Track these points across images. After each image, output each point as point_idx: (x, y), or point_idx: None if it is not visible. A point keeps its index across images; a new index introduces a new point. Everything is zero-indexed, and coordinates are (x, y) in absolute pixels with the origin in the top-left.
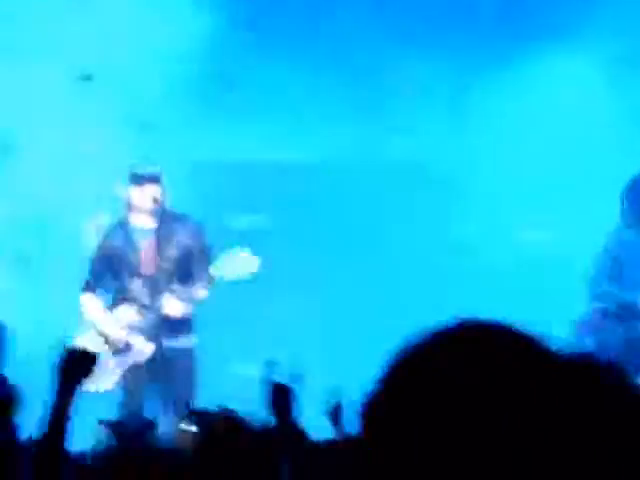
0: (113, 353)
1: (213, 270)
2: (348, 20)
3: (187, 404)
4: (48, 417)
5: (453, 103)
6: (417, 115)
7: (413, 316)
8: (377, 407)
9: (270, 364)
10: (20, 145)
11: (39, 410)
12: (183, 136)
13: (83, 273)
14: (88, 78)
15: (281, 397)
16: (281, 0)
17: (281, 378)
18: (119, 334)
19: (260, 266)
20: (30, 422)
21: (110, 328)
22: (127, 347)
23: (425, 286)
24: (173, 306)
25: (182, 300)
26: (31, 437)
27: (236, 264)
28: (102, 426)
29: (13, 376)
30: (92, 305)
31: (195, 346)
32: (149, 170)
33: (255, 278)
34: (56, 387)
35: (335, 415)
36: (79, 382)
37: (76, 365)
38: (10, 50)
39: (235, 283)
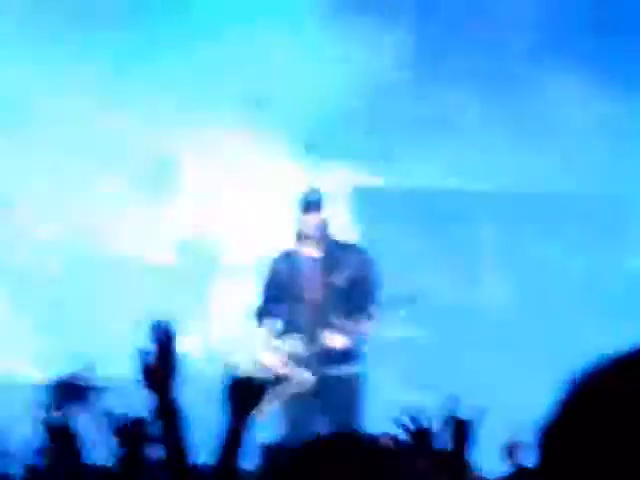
0: (274, 383)
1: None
2: None
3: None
4: (221, 445)
5: None
6: None
7: (589, 346)
8: (556, 435)
9: (452, 398)
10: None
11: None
12: (348, 162)
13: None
14: (260, 104)
15: (461, 432)
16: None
17: (462, 412)
18: (281, 363)
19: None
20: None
21: (273, 357)
22: (288, 377)
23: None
24: (335, 340)
25: (345, 334)
26: (204, 464)
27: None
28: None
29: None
30: (257, 333)
31: (358, 374)
32: (316, 197)
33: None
34: (227, 416)
35: (511, 450)
36: (250, 411)
37: (246, 394)
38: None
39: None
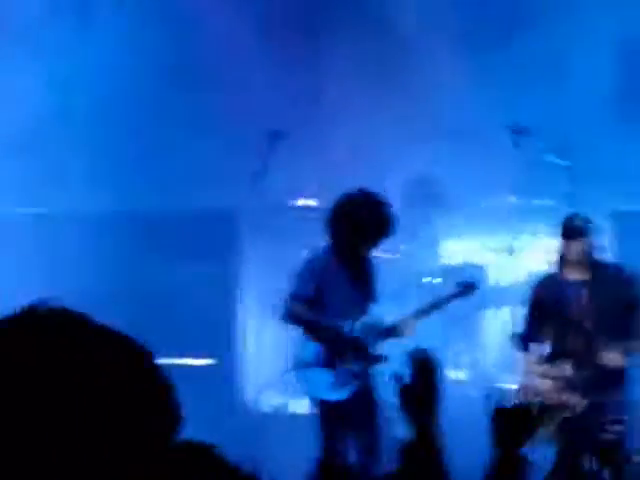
0: (545, 409)
1: None
2: None
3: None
4: (491, 476)
5: None
6: None
7: None
8: None
9: None
10: None
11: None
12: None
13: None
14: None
15: None
16: None
17: None
18: (552, 389)
19: None
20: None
21: (543, 383)
22: (561, 403)
23: None
24: (606, 363)
25: (615, 358)
26: None
27: None
28: None
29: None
30: (525, 359)
31: (630, 400)
32: (580, 223)
33: None
34: (495, 446)
35: None
36: (519, 441)
37: (514, 423)
38: None
39: None
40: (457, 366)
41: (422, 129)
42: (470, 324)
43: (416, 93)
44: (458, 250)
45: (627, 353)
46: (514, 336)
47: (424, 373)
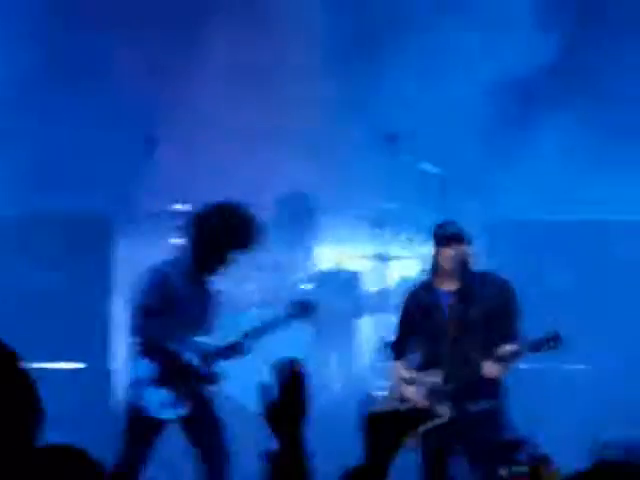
0: (413, 416)
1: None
2: None
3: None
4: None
5: None
6: None
7: None
8: None
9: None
10: None
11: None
12: (483, 193)
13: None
14: (392, 139)
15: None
16: None
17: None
18: (421, 396)
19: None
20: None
21: (412, 390)
22: (428, 410)
23: None
24: (490, 369)
25: (485, 367)
26: None
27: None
28: None
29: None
30: (398, 368)
31: (498, 409)
32: (452, 231)
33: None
34: (365, 451)
35: None
36: (388, 448)
37: (383, 429)
38: None
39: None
40: (330, 373)
41: (296, 138)
42: (343, 331)
43: (289, 103)
44: (332, 257)
45: (499, 361)
46: (386, 343)
47: (291, 385)
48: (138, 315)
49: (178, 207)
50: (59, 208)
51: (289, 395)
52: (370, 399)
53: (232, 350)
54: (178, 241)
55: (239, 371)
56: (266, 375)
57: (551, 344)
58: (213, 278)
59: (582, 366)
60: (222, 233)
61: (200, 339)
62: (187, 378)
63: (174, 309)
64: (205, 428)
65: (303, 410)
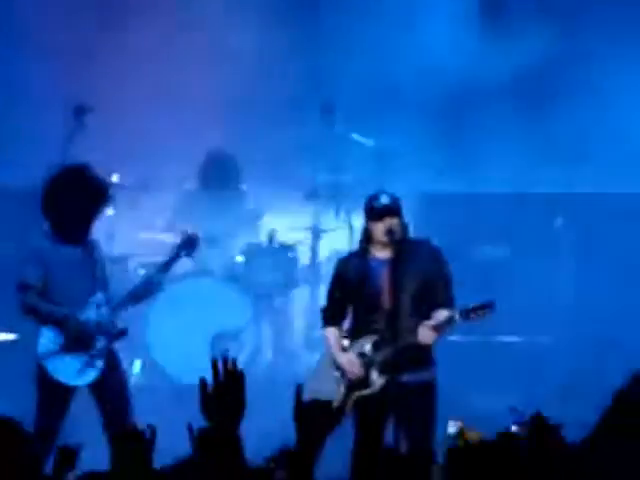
0: (349, 386)
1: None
2: None
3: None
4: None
5: None
6: None
7: None
8: None
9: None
10: None
11: None
12: (417, 165)
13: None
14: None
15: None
16: None
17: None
18: (356, 367)
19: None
20: None
21: (348, 361)
22: (363, 380)
23: None
24: (425, 335)
25: (417, 336)
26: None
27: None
28: None
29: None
30: (331, 337)
31: (434, 379)
32: (387, 202)
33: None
34: (298, 439)
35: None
36: (321, 438)
37: (314, 416)
38: None
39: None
40: (264, 345)
41: (223, 105)
42: (276, 303)
43: (221, 70)
44: (265, 229)
45: (433, 328)
46: (320, 309)
47: (228, 382)
48: (19, 291)
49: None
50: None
51: (225, 392)
52: (301, 388)
53: (144, 290)
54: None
55: (173, 341)
56: (200, 348)
57: (484, 311)
58: (87, 242)
59: (515, 338)
60: (71, 196)
61: (100, 295)
62: (89, 340)
63: (53, 278)
64: (110, 390)
65: (240, 407)
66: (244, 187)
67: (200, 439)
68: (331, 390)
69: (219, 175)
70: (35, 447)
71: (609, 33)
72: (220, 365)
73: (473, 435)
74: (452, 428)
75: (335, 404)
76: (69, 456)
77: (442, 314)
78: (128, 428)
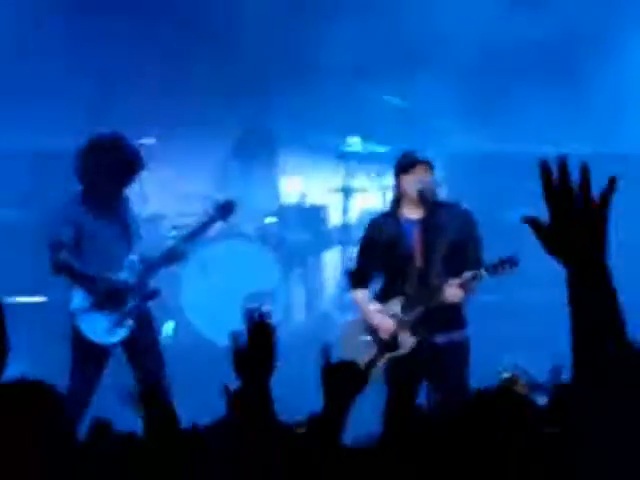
0: (380, 347)
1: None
2: None
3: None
4: (321, 429)
5: None
6: None
7: None
8: None
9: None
10: None
11: None
12: (445, 126)
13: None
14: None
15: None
16: None
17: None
18: (390, 326)
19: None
20: None
21: (381, 321)
22: (394, 341)
23: None
24: (452, 293)
25: (449, 296)
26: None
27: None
28: None
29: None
30: (362, 299)
31: (466, 339)
32: (418, 156)
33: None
34: (325, 400)
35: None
36: (348, 399)
37: (345, 381)
38: None
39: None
40: (295, 306)
41: (253, 72)
42: (308, 264)
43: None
44: (296, 191)
45: (460, 286)
46: (346, 272)
47: (259, 336)
48: (52, 250)
49: None
50: (25, 145)
51: (257, 346)
52: (329, 349)
53: (170, 256)
54: None
55: (206, 303)
56: (233, 308)
57: (508, 266)
58: (120, 205)
59: (546, 298)
60: (107, 162)
61: (132, 257)
62: (120, 300)
63: (88, 243)
64: (141, 350)
65: (271, 361)
66: (277, 152)
67: (232, 398)
68: (359, 358)
69: (253, 142)
70: (68, 410)
71: None
72: (253, 318)
73: (521, 388)
74: (506, 374)
75: (364, 365)
76: (104, 429)
77: (468, 273)
78: (150, 387)
